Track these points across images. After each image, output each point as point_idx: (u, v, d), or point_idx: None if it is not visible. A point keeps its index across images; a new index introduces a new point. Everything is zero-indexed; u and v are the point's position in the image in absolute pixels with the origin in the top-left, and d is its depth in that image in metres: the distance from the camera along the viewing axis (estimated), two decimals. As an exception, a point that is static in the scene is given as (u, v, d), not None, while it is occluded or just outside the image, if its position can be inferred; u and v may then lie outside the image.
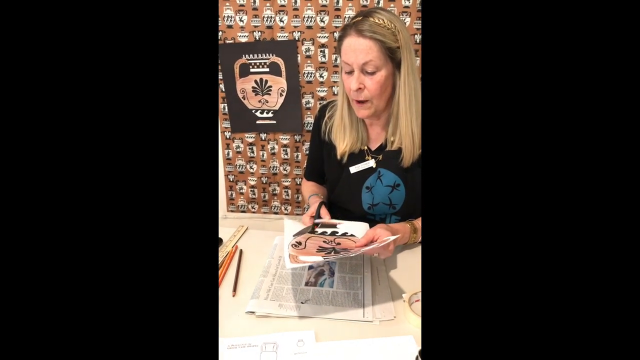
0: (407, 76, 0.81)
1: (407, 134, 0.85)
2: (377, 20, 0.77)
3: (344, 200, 0.96)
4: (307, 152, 1.43)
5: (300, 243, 0.78)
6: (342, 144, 0.92)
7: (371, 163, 0.92)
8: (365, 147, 0.93)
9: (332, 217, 0.91)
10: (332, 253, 0.73)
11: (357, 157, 0.94)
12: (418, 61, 1.27)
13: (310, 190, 1.03)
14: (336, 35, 1.32)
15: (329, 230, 0.85)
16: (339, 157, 0.94)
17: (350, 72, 0.81)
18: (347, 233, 0.82)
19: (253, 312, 0.69)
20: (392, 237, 0.71)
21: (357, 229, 0.83)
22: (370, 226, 0.81)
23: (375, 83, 0.79)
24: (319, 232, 0.86)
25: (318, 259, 0.71)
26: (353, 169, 0.93)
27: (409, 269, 0.82)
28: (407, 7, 1.25)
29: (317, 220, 0.89)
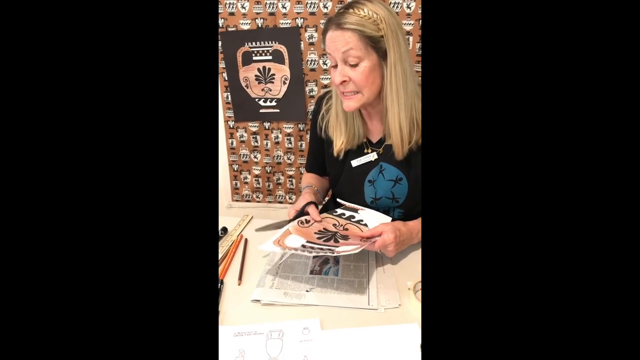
0: (394, 67, 0.77)
1: (394, 129, 0.82)
2: (356, 11, 0.75)
3: (346, 194, 0.95)
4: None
5: (308, 221, 0.77)
6: (339, 141, 0.90)
7: (372, 156, 0.90)
8: (365, 140, 0.92)
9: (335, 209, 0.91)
10: (329, 241, 0.74)
11: (357, 150, 0.92)
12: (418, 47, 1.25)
13: (306, 182, 1.02)
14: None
15: (348, 214, 0.84)
16: (335, 154, 0.92)
17: (335, 66, 0.79)
18: (362, 221, 0.81)
19: (259, 301, 0.69)
20: (357, 248, 0.70)
21: (375, 219, 0.82)
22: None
23: (359, 74, 0.77)
24: (337, 213, 0.86)
25: (298, 243, 0.71)
26: (354, 163, 0.92)
27: (413, 258, 0.82)
28: (412, -9, 1.22)
29: (341, 202, 0.90)
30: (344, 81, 0.78)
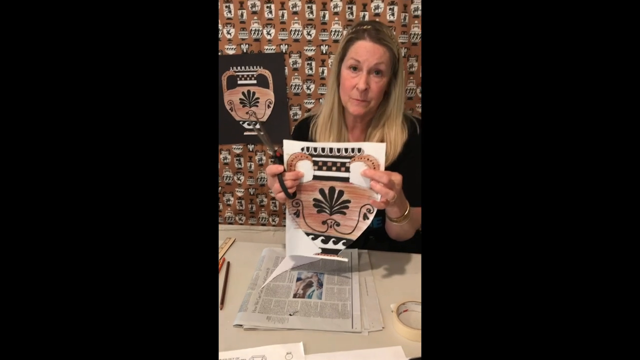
0: (401, 86, 0.90)
1: (390, 137, 0.91)
2: (387, 32, 0.86)
3: None
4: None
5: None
6: (328, 141, 0.97)
7: None
8: None
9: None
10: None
11: None
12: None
13: None
14: (324, 48, 1.34)
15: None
16: None
17: (355, 69, 0.86)
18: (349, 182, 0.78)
19: (241, 325, 0.68)
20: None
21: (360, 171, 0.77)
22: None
23: (379, 86, 0.87)
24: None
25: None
26: None
27: (396, 280, 0.82)
28: (391, 21, 1.28)
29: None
30: (366, 89, 0.86)
